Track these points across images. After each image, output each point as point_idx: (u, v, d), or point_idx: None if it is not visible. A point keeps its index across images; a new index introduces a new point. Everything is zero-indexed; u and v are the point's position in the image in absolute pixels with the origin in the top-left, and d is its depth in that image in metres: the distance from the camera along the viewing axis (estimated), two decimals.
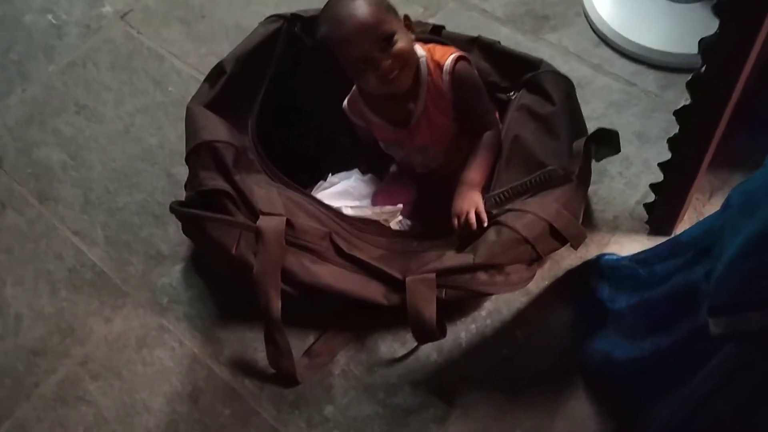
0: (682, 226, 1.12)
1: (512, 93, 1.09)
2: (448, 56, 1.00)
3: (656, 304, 0.79)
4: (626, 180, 1.18)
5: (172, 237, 1.25)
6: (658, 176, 1.16)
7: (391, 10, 0.96)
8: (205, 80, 1.08)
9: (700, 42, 0.77)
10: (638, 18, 1.32)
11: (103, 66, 1.51)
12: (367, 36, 0.92)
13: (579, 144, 0.98)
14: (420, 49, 1.01)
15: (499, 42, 1.14)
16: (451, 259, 0.98)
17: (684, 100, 0.88)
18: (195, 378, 1.10)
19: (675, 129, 1.21)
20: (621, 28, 1.31)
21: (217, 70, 1.06)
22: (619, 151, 0.98)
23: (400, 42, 0.94)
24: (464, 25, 1.26)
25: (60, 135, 1.41)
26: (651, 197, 1.14)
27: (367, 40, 0.92)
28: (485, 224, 0.99)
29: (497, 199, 1.00)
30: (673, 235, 1.10)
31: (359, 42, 0.92)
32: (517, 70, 1.10)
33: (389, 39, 0.93)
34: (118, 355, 1.14)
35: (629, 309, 0.89)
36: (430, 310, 0.96)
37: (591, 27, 1.36)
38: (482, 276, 0.97)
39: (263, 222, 0.98)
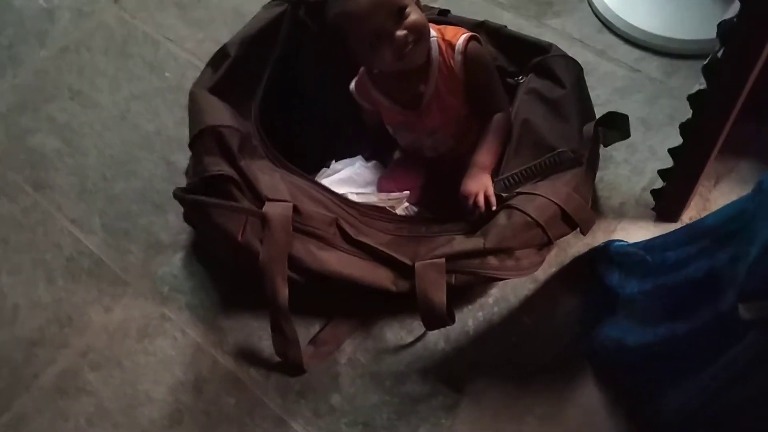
0: (688, 213, 1.11)
1: (520, 77, 1.08)
2: (460, 36, 0.99)
3: (673, 290, 0.78)
4: (632, 166, 1.18)
5: (172, 225, 1.23)
6: (664, 163, 1.15)
7: None
8: (208, 64, 1.06)
9: (719, 25, 0.76)
10: (642, 3, 1.31)
11: (97, 51, 1.48)
12: (381, 8, 0.91)
13: (589, 127, 0.98)
14: (432, 30, 0.99)
15: (506, 26, 1.12)
16: (461, 243, 0.96)
17: (698, 84, 0.87)
18: (198, 368, 1.09)
19: (680, 115, 1.20)
20: (624, 13, 1.31)
21: (221, 54, 1.04)
22: (629, 135, 0.98)
23: (413, 14, 0.94)
24: (466, 10, 1.24)
25: (54, 121, 1.38)
26: (657, 183, 1.13)
27: (380, 12, 0.91)
28: (494, 207, 0.98)
29: (507, 182, 0.99)
30: (682, 222, 1.11)
31: (373, 15, 0.91)
32: (525, 54, 1.08)
33: (402, 11, 0.93)
34: (118, 345, 1.12)
35: (642, 294, 0.89)
36: (439, 296, 0.95)
37: (594, 12, 1.35)
38: (492, 261, 0.96)
39: (269, 208, 0.97)
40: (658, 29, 1.27)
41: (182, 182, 1.25)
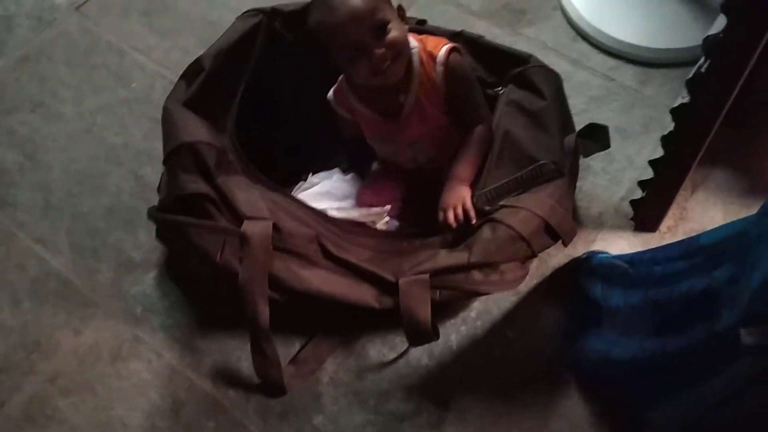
0: (665, 223, 1.12)
1: (500, 88, 1.07)
2: (441, 47, 0.98)
3: (662, 304, 0.78)
4: (610, 176, 1.18)
5: (143, 243, 1.18)
6: (641, 172, 1.16)
7: None
8: (181, 77, 1.03)
9: (704, 40, 0.76)
10: (615, 12, 1.32)
11: (59, 61, 1.42)
12: (362, 23, 0.89)
13: (570, 139, 0.97)
14: (413, 41, 0.98)
15: (483, 36, 1.11)
16: (445, 258, 0.95)
17: (680, 97, 0.87)
18: (175, 390, 1.05)
19: (655, 124, 1.22)
20: (598, 22, 1.31)
21: (195, 67, 1.01)
22: (609, 146, 0.98)
23: (394, 31, 0.92)
24: (439, 19, 1.22)
25: (15, 135, 1.32)
26: (635, 193, 1.14)
27: (361, 26, 0.89)
28: (473, 221, 0.97)
29: (489, 195, 0.98)
30: (661, 231, 1.11)
31: (353, 28, 0.89)
32: (504, 65, 1.08)
33: (383, 27, 0.91)
34: (90, 370, 1.08)
35: (627, 307, 0.89)
36: (424, 312, 0.93)
37: (568, 21, 1.35)
38: (477, 275, 0.95)
39: (248, 227, 0.94)
40: (631, 38, 1.28)
41: (152, 197, 1.21)
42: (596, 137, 0.97)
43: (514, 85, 1.06)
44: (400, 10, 0.95)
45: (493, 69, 1.09)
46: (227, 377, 1.06)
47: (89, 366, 1.08)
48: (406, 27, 0.95)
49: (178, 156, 0.94)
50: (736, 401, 0.69)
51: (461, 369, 1.04)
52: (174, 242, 1.01)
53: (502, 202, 0.97)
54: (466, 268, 0.95)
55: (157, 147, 1.27)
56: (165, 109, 0.98)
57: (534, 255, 0.97)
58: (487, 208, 0.97)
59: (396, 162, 1.12)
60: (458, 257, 0.95)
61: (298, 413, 1.02)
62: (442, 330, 1.05)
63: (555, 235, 0.97)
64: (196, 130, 0.95)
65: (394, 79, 0.96)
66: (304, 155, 1.17)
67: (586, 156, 1.01)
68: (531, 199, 0.96)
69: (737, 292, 0.65)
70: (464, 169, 1.01)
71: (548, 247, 1.00)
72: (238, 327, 1.08)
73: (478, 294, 0.98)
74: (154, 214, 0.96)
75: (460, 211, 0.98)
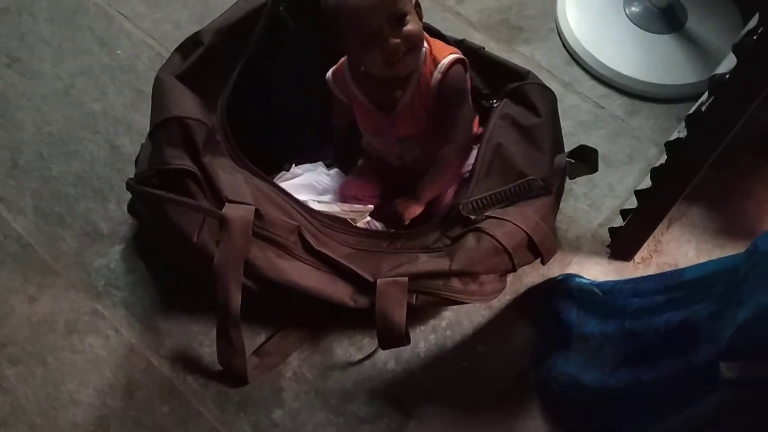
0: (640, 254, 1.13)
1: (494, 101, 1.07)
2: (448, 55, 0.97)
3: (639, 335, 0.79)
4: (590, 201, 1.19)
5: (113, 214, 1.14)
6: (621, 201, 1.18)
7: None
8: (177, 50, 0.99)
9: (710, 78, 0.77)
10: (610, 41, 1.33)
11: (42, 18, 1.37)
12: (382, 10, 0.89)
13: (561, 158, 0.98)
14: (425, 41, 0.97)
15: (484, 48, 1.11)
16: (426, 264, 0.94)
17: (677, 132, 0.88)
18: (131, 371, 1.01)
19: (639, 155, 1.24)
20: (593, 48, 1.32)
21: (193, 41, 0.98)
22: (597, 170, 0.98)
23: (412, 24, 0.91)
24: (438, 27, 1.22)
25: None
26: (613, 221, 1.15)
27: (381, 14, 0.89)
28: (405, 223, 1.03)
29: (475, 204, 0.98)
30: (635, 262, 1.13)
31: (373, 14, 0.88)
32: (501, 78, 1.07)
33: (402, 18, 0.90)
34: (42, 340, 1.03)
35: (602, 335, 0.89)
36: (400, 315, 0.92)
37: (563, 44, 1.36)
38: (456, 284, 0.94)
39: (230, 210, 0.91)
40: (623, 68, 1.30)
41: (128, 169, 1.18)
42: (585, 159, 0.98)
43: (510, 99, 1.05)
44: (418, 7, 0.95)
45: (490, 81, 1.09)
46: (187, 362, 1.02)
47: (42, 336, 1.04)
48: (421, 24, 0.95)
49: (166, 129, 0.90)
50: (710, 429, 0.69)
51: (427, 378, 1.03)
52: (150, 217, 0.97)
53: (488, 213, 0.97)
54: (446, 274, 0.94)
55: (137, 118, 1.25)
56: (158, 79, 0.95)
57: (514, 269, 0.97)
58: (473, 216, 0.97)
59: (382, 158, 1.11)
60: (439, 263, 0.94)
61: (257, 405, 1.00)
62: (411, 336, 1.04)
63: (536, 251, 0.97)
64: (188, 105, 0.92)
65: (405, 71, 0.95)
66: (291, 146, 1.15)
67: (572, 177, 1.02)
68: (517, 213, 0.96)
69: (719, 326, 0.65)
70: (426, 191, 1.03)
71: (528, 263, 1.00)
72: (204, 311, 1.05)
73: (455, 303, 0.97)
74: (132, 185, 0.92)
75: (403, 221, 1.03)
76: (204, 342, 1.04)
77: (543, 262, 1.01)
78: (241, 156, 0.99)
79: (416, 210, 1.03)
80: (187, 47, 0.98)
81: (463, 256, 0.93)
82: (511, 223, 0.94)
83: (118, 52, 1.33)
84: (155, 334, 1.04)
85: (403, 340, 0.94)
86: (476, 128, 1.07)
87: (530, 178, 0.98)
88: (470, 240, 0.94)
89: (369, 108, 1.03)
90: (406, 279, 0.93)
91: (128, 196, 1.03)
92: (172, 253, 1.01)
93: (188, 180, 0.91)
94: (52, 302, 1.06)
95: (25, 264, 1.10)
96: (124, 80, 1.29)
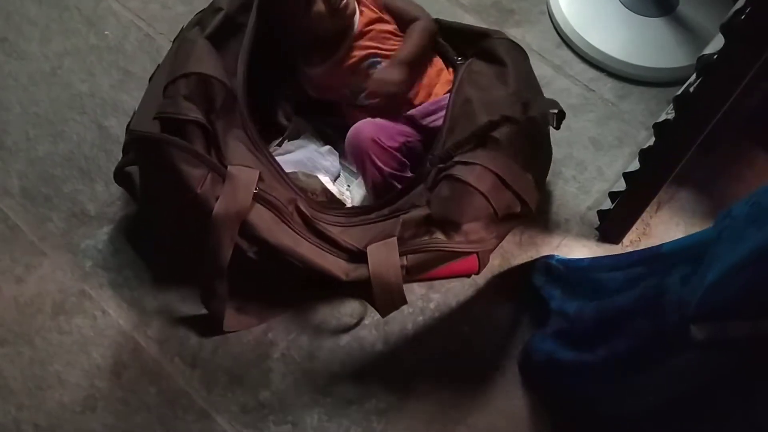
0: (629, 237, 1.14)
1: (459, 58, 1.10)
2: None
3: (617, 307, 0.79)
4: (579, 184, 1.19)
5: (100, 195, 1.14)
6: (610, 184, 1.18)
7: None
8: (197, 14, 1.04)
9: (699, 59, 0.77)
10: (601, 24, 1.33)
11: None
12: None
13: (545, 105, 1.01)
14: None
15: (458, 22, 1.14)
16: (407, 217, 0.95)
17: (665, 114, 0.88)
18: (118, 352, 1.01)
19: (628, 139, 1.24)
20: (584, 31, 1.32)
21: (212, 7, 1.02)
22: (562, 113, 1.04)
23: None
24: (429, 9, 1.21)
25: None
26: (602, 204, 1.15)
27: None
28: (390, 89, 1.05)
29: (443, 155, 0.99)
30: (623, 244, 1.13)
31: None
32: (470, 41, 1.11)
33: None
34: (29, 321, 1.03)
35: (580, 311, 0.89)
36: (395, 274, 0.93)
37: (554, 27, 1.36)
38: (440, 236, 0.95)
39: (234, 169, 0.93)
40: (614, 51, 1.29)
41: (115, 150, 1.17)
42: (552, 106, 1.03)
43: (477, 57, 1.07)
44: None
45: (459, 46, 1.12)
46: (175, 344, 1.02)
47: (29, 317, 1.03)
48: None
49: (188, 82, 0.91)
50: (679, 396, 0.70)
51: (414, 359, 1.03)
52: (151, 167, 0.97)
53: (457, 159, 0.97)
54: (427, 221, 0.95)
55: (125, 99, 1.24)
56: (184, 38, 0.98)
57: (496, 214, 0.96)
58: (441, 165, 0.98)
59: (358, 104, 1.11)
60: (419, 211, 0.96)
61: (244, 386, 1.00)
62: (399, 318, 1.05)
63: (516, 195, 0.97)
64: (212, 64, 0.94)
65: (351, 15, 1.05)
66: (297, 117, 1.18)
67: (557, 128, 1.05)
68: (486, 155, 0.96)
69: (689, 290, 0.66)
70: (401, 50, 1.07)
71: (515, 211, 0.98)
72: (192, 293, 1.05)
73: (444, 255, 0.96)
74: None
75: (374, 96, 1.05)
76: (192, 324, 1.03)
77: (529, 207, 0.99)
78: (250, 125, 0.98)
79: (395, 73, 1.04)
80: (207, 12, 1.02)
81: (439, 204, 0.95)
82: (479, 166, 0.95)
83: (106, 32, 1.32)
84: (143, 315, 1.04)
85: (403, 299, 0.95)
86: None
87: (491, 119, 0.98)
88: (444, 187, 0.95)
89: (327, 67, 1.09)
90: (395, 238, 0.94)
91: None
92: (169, 205, 1.00)
93: (197, 136, 0.92)
94: (39, 283, 1.06)
95: (12, 245, 1.09)
96: (112, 60, 1.28)
